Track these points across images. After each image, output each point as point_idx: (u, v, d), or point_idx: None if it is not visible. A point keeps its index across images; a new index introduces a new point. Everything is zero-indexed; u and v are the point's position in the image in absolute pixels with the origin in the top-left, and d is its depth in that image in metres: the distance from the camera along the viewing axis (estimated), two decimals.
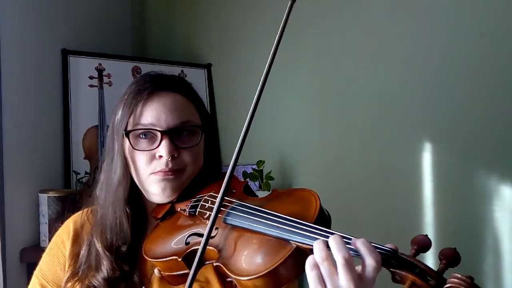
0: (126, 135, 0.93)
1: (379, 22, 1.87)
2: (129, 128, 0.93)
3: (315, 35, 2.02)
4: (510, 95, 1.59)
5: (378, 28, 1.87)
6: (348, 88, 1.95)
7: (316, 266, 0.67)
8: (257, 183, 2.07)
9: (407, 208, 1.79)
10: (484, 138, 1.63)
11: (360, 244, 0.67)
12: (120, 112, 0.95)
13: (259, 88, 0.81)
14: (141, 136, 0.93)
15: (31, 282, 1.02)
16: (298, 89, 2.08)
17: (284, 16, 0.84)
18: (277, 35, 0.84)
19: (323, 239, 0.69)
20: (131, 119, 0.93)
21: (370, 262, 0.66)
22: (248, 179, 2.05)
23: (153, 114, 0.92)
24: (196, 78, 2.38)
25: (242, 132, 0.79)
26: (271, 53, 0.83)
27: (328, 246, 0.68)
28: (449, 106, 1.71)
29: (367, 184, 1.89)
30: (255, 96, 0.80)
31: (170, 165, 0.91)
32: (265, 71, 0.82)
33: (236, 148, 0.79)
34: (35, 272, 1.02)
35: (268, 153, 2.10)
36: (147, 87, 0.94)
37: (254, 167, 2.06)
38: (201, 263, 0.82)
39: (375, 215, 1.87)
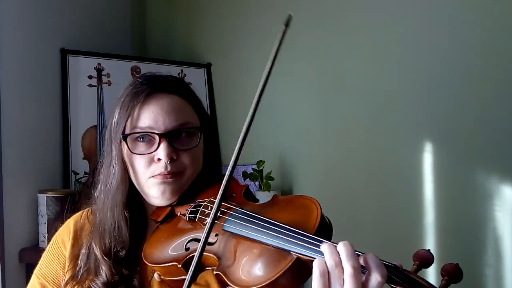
0: (123, 139, 0.92)
1: (379, 22, 1.86)
2: (126, 131, 0.92)
3: (315, 35, 2.02)
4: (511, 95, 1.59)
5: (378, 28, 1.87)
6: (348, 88, 1.95)
7: (326, 273, 0.66)
8: (257, 183, 2.06)
9: (407, 208, 1.79)
10: (485, 138, 1.63)
11: (370, 258, 0.66)
12: (117, 115, 0.94)
13: (257, 94, 0.78)
14: (139, 139, 0.92)
15: (30, 281, 1.01)
16: (298, 89, 2.08)
17: (277, 42, 0.79)
18: (269, 62, 0.79)
19: (332, 244, 0.68)
20: (128, 123, 0.92)
21: (376, 276, 0.65)
22: (246, 179, 2.05)
23: (150, 117, 0.91)
24: (195, 77, 2.37)
25: (241, 137, 0.77)
26: (264, 74, 0.79)
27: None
28: (450, 106, 1.71)
29: (368, 184, 1.89)
30: (254, 101, 0.78)
31: (169, 168, 0.90)
32: (263, 80, 0.79)
33: (235, 152, 0.77)
34: (35, 272, 1.02)
35: (268, 153, 2.10)
36: (144, 90, 0.92)
37: (254, 167, 2.05)
38: (200, 270, 0.81)
39: (376, 215, 1.86)
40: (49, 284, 0.99)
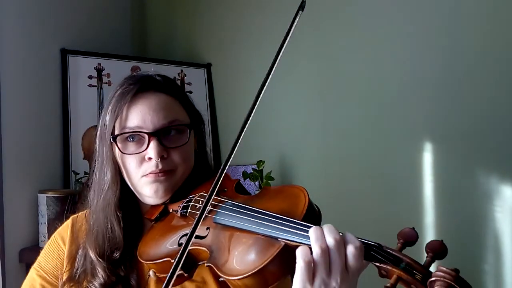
0: (113, 140, 0.92)
1: (379, 22, 1.86)
2: (116, 132, 0.93)
3: (315, 35, 2.02)
4: (510, 94, 1.59)
5: (378, 28, 1.86)
6: (348, 88, 1.95)
7: (311, 261, 0.67)
8: (257, 183, 2.06)
9: (407, 207, 1.79)
10: (485, 137, 1.63)
11: (346, 235, 0.69)
12: (106, 117, 0.95)
13: (258, 92, 0.79)
14: (129, 139, 0.93)
15: (28, 275, 1.01)
16: (298, 89, 2.08)
17: (290, 25, 0.81)
18: (281, 43, 0.82)
19: (318, 227, 0.69)
20: (117, 124, 0.93)
21: (350, 248, 0.67)
22: (246, 179, 2.05)
23: (138, 116, 0.91)
24: (195, 77, 2.37)
25: (237, 134, 0.78)
26: (273, 59, 0.81)
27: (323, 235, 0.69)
28: (449, 106, 1.71)
29: (367, 184, 1.88)
30: (254, 99, 0.79)
31: (160, 166, 0.91)
32: (266, 76, 0.80)
33: (230, 148, 0.77)
34: (33, 266, 1.02)
35: (268, 153, 2.10)
36: (131, 90, 0.93)
37: (254, 167, 2.06)
38: (194, 265, 0.82)
39: (375, 214, 1.86)
40: (48, 276, 0.99)
